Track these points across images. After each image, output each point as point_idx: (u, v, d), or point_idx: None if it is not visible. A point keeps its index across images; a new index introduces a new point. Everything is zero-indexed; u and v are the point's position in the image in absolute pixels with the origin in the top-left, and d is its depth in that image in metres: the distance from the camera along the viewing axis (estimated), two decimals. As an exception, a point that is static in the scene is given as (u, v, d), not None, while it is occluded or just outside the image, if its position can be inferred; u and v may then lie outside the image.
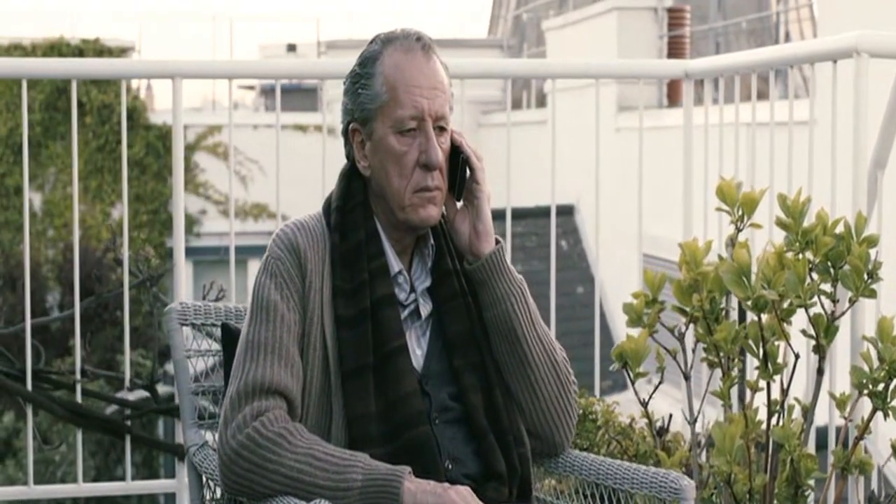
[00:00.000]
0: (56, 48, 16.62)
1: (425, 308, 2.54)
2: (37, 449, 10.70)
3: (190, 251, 17.04)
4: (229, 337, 2.58)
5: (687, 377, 3.13)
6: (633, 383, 2.95)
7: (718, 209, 3.10)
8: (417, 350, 2.52)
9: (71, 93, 3.85)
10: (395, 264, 2.52)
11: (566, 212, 13.97)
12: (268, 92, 23.87)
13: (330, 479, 2.30)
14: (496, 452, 2.49)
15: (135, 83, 17.38)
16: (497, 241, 2.56)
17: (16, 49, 16.54)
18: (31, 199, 16.90)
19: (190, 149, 17.38)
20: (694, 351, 3.12)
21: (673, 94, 12.96)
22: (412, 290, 2.54)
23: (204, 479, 2.57)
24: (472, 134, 16.99)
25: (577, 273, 13.25)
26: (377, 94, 2.47)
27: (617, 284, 8.98)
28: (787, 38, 13.84)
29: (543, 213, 13.54)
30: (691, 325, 3.06)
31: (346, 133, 2.56)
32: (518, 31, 19.88)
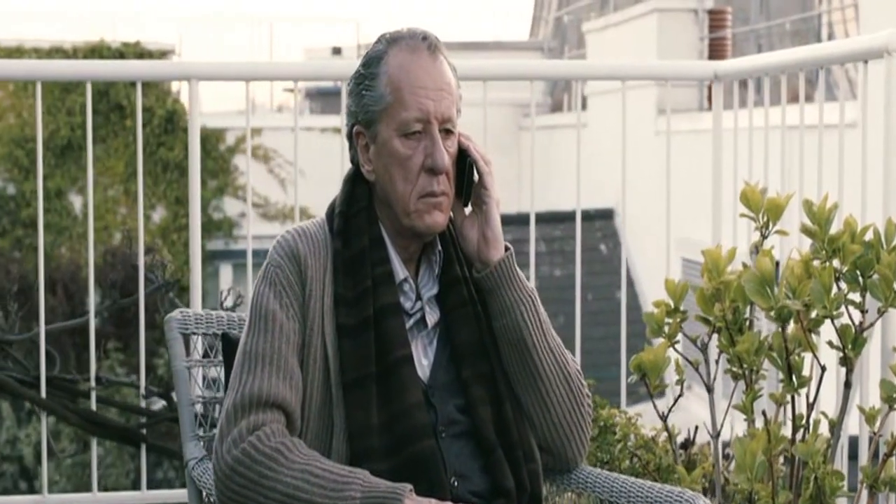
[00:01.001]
0: (97, 51, 16.65)
1: (432, 317, 2.44)
2: (74, 453, 10.69)
3: (229, 254, 17.06)
4: (230, 347, 2.50)
5: (710, 389, 3.02)
6: (651, 396, 2.84)
7: (743, 215, 2.99)
8: (424, 360, 2.43)
9: (87, 99, 3.78)
10: (401, 271, 2.43)
11: (606, 215, 13.86)
12: (313, 95, 23.87)
13: (327, 497, 2.21)
14: (505, 468, 2.39)
15: (175, 86, 17.37)
16: (507, 248, 2.46)
17: (57, 52, 16.58)
18: (72, 201, 16.95)
19: (230, 151, 17.37)
20: (717, 362, 3.01)
21: (710, 96, 12.81)
22: (418, 298, 2.44)
23: (204, 494, 2.49)
24: (512, 137, 16.91)
25: (616, 277, 13.10)
26: (381, 95, 2.38)
27: (656, 289, 8.87)
28: (832, 39, 13.66)
29: (583, 216, 13.44)
30: (715, 336, 2.96)
31: (350, 136, 2.47)
32: (559, 34, 19.75)
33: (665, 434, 3.92)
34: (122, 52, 16.71)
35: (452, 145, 2.41)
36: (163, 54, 17.00)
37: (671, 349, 2.93)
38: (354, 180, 2.47)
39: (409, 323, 2.42)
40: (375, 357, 2.35)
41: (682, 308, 3.00)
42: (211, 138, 17.08)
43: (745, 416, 2.85)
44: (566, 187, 12.75)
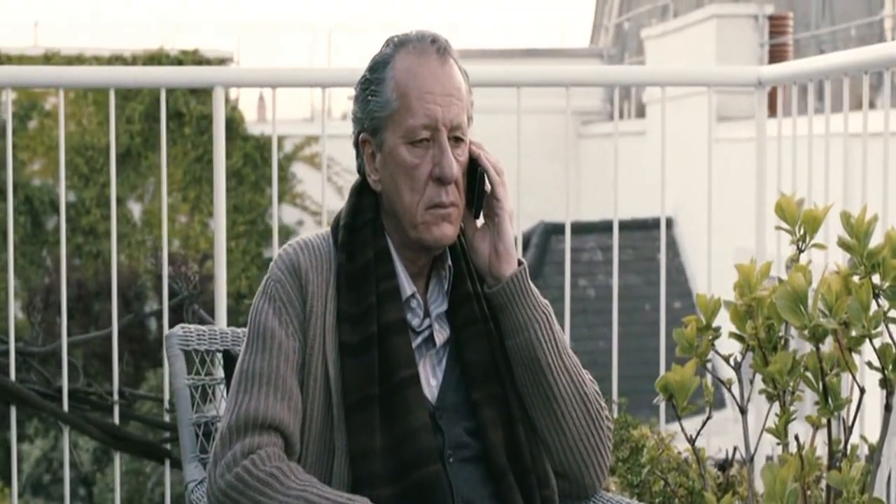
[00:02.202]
0: (156, 59, 16.70)
1: (441, 335, 2.32)
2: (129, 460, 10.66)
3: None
4: (231, 365, 2.39)
5: (743, 411, 2.87)
6: (679, 418, 2.70)
7: (778, 228, 2.84)
8: (432, 380, 2.31)
9: (110, 106, 3.71)
10: (408, 287, 2.30)
11: (665, 224, 13.66)
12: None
13: (323, 525, 2.09)
14: (516, 495, 2.27)
15: (233, 93, 17.39)
16: (520, 263, 2.33)
17: (116, 59, 16.65)
18: (131, 208, 17.00)
19: (287, 159, 17.36)
20: (752, 382, 2.86)
21: (772, 102, 12.59)
22: (427, 314, 2.32)
23: (203, 517, 2.38)
24: (572, 144, 16.74)
25: (674, 287, 12.91)
26: (387, 101, 2.27)
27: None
28: (897, 45, 13.36)
29: (640, 225, 13.27)
30: (749, 354, 2.81)
31: (356, 144, 2.35)
32: (620, 41, 19.56)
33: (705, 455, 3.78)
34: (180, 60, 16.75)
35: (462, 154, 2.29)
36: (221, 62, 17.02)
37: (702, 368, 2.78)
38: (361, 191, 2.36)
39: (417, 341, 2.30)
40: (379, 377, 2.23)
41: (715, 324, 2.86)
42: (268, 146, 17.07)
43: (777, 441, 2.70)
44: (623, 196, 12.59)
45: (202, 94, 16.41)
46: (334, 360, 2.24)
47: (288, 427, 2.20)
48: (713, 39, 12.73)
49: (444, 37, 2.31)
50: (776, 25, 12.99)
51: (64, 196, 3.64)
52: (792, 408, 2.81)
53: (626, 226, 12.76)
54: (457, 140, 2.27)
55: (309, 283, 2.26)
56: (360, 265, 2.28)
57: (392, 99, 2.26)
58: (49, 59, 16.54)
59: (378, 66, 2.30)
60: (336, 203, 17.98)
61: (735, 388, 2.92)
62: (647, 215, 12.92)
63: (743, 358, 2.91)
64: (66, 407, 3.72)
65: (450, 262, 2.34)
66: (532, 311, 2.31)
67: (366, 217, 2.32)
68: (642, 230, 13.26)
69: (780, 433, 2.76)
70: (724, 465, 3.36)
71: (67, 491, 3.81)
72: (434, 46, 2.28)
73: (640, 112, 16.13)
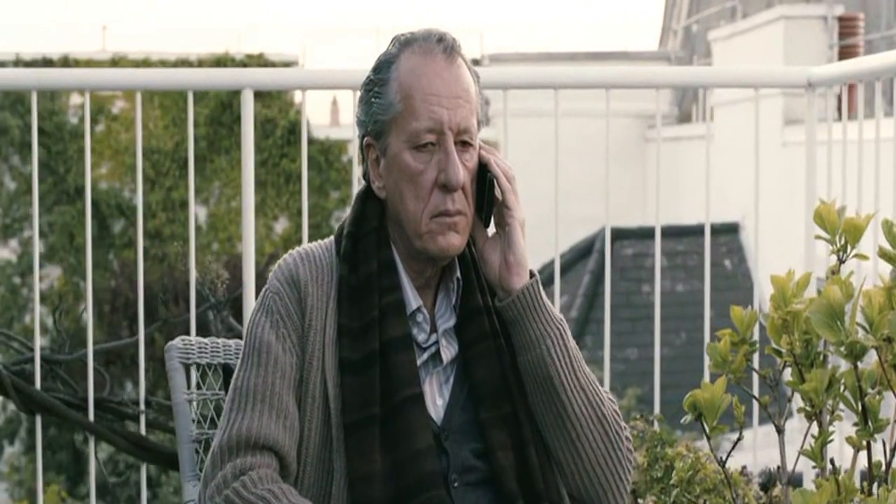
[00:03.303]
0: (221, 62, 16.71)
1: (448, 351, 2.19)
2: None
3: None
4: (230, 379, 2.28)
5: (780, 430, 2.71)
6: (709, 439, 2.55)
7: (818, 237, 2.68)
8: (438, 400, 2.18)
9: (136, 105, 3.62)
10: (413, 300, 2.18)
11: (731, 230, 13.44)
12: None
13: (315, 554, 1.98)
14: (526, 522, 2.13)
15: (297, 97, 17.36)
16: (532, 275, 2.20)
17: (182, 64, 16.68)
18: (197, 212, 17.03)
19: (352, 163, 17.31)
20: (790, 400, 2.70)
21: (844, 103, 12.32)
22: (434, 330, 2.19)
23: (201, 540, 2.26)
24: (637, 148, 16.55)
25: (740, 294, 12.68)
26: (390, 103, 2.14)
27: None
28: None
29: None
30: (787, 370, 2.66)
31: (361, 149, 2.23)
32: (688, 43, 19.30)
33: (749, 473, 3.61)
34: (245, 64, 16.76)
35: (471, 159, 2.16)
36: (286, 66, 16.99)
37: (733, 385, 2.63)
38: (366, 198, 2.23)
39: (423, 358, 2.18)
40: (381, 396, 2.11)
41: (752, 338, 2.72)
42: (333, 150, 17.03)
43: (814, 464, 2.54)
44: (692, 200, 12.38)
45: (266, 97, 16.41)
46: (334, 378, 2.12)
47: (283, 447, 2.09)
48: (781, 41, 12.47)
49: (453, 35, 2.18)
50: (846, 26, 12.71)
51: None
52: (831, 428, 2.66)
53: (691, 231, 12.57)
54: (464, 144, 2.14)
55: (308, 296, 2.14)
56: (363, 277, 2.16)
57: (395, 101, 2.14)
58: (116, 63, 16.62)
59: (382, 67, 2.18)
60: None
61: (773, 407, 2.77)
62: (713, 220, 12.69)
63: (780, 374, 2.76)
64: (91, 416, 3.64)
65: (458, 274, 2.21)
66: (545, 326, 2.17)
67: (370, 225, 2.20)
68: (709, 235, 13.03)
69: (816, 455, 2.60)
70: (765, 486, 3.20)
71: (93, 497, 3.73)
72: (440, 45, 2.15)
73: (709, 115, 15.87)
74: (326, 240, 2.24)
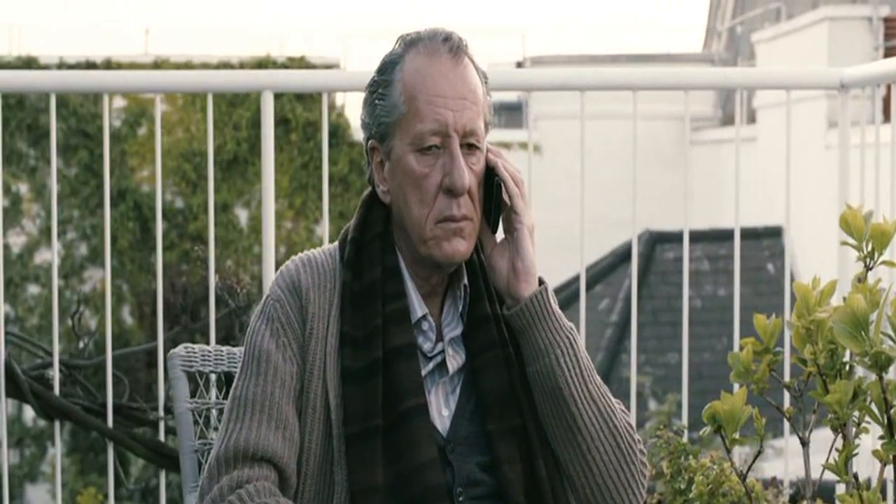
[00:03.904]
0: (262, 65, 16.71)
1: (455, 360, 2.12)
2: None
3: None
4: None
5: (804, 443, 2.62)
6: (728, 451, 2.47)
7: (844, 243, 2.60)
8: (444, 410, 2.11)
9: (156, 111, 3.58)
10: (419, 308, 2.11)
11: (774, 233, 13.29)
12: (496, 109, 23.55)
13: (312, 571, 1.92)
14: (534, 537, 2.06)
15: (339, 99, 17.35)
16: (541, 282, 2.12)
17: (224, 66, 16.69)
18: (238, 214, 17.04)
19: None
20: (815, 412, 2.61)
21: (887, 106, 12.14)
22: (440, 338, 2.13)
23: (202, 553, 2.20)
24: (680, 151, 16.38)
25: (783, 298, 12.55)
26: (394, 104, 2.08)
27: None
28: None
29: (750, 234, 12.90)
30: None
31: (366, 152, 2.17)
32: (732, 45, 19.12)
33: (778, 486, 3.52)
34: (286, 67, 16.75)
35: (477, 162, 2.09)
36: (327, 68, 16.97)
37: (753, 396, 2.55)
38: (370, 203, 2.17)
39: (428, 367, 2.11)
40: (383, 406, 2.04)
41: (775, 347, 2.63)
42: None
43: (838, 479, 2.46)
44: (733, 204, 12.27)
45: (308, 100, 16.40)
46: (335, 387, 2.06)
47: (282, 459, 2.03)
48: (825, 42, 12.32)
49: (459, 35, 2.11)
50: (892, 27, 12.53)
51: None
52: (857, 440, 2.57)
53: (726, 235, 12.42)
54: (470, 147, 2.08)
55: (310, 303, 2.08)
56: (367, 284, 2.10)
57: (400, 103, 2.07)
58: (158, 66, 16.66)
59: (387, 67, 2.11)
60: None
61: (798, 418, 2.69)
62: (756, 224, 12.56)
63: (805, 385, 2.68)
64: (110, 422, 3.60)
65: (466, 281, 2.14)
66: (554, 335, 2.10)
67: (374, 231, 2.13)
68: (751, 239, 12.90)
69: (841, 469, 2.52)
70: (794, 499, 3.12)
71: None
72: (446, 45, 2.08)
73: (752, 118, 15.74)
74: (330, 246, 2.18)
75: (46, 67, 16.21)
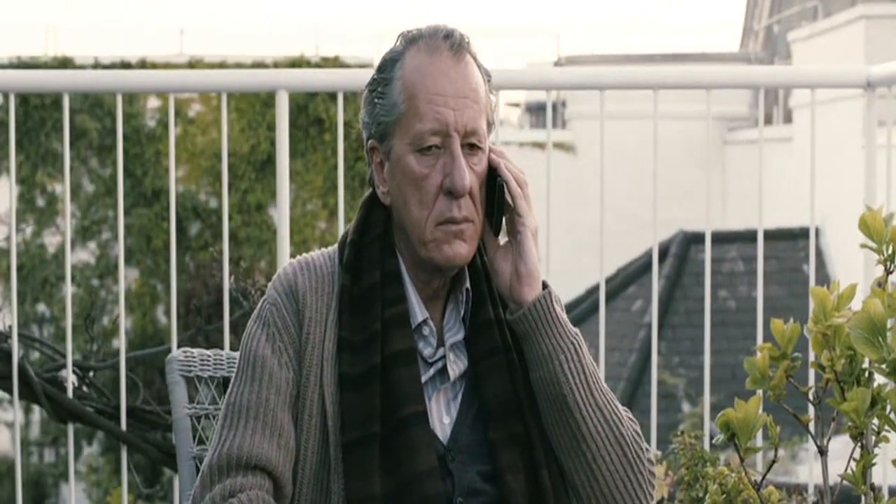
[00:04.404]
0: (296, 65, 16.71)
1: (456, 366, 2.07)
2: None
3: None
4: (230, 394, 2.17)
5: (822, 451, 2.55)
6: (742, 460, 2.40)
7: (863, 246, 2.53)
8: (445, 418, 2.06)
9: (169, 110, 3.54)
10: (420, 312, 2.05)
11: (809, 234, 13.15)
12: (533, 109, 23.55)
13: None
14: (537, 550, 2.00)
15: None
16: (544, 286, 2.06)
17: (258, 66, 16.70)
18: (272, 215, 17.04)
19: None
20: (834, 419, 2.54)
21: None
22: (441, 343, 2.07)
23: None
24: (717, 151, 16.28)
25: (819, 300, 12.40)
26: (394, 103, 2.02)
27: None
28: None
29: (785, 235, 12.78)
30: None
31: (367, 153, 2.12)
32: (770, 44, 18.97)
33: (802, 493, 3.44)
34: (320, 66, 16.74)
35: (479, 163, 2.03)
36: (361, 68, 16.94)
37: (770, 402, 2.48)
38: (370, 205, 2.12)
39: (429, 373, 2.05)
40: (382, 413, 1.99)
41: (793, 353, 2.56)
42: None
43: (855, 489, 2.38)
44: (771, 204, 12.17)
45: (345, 100, 16.36)
46: (332, 394, 2.01)
47: (276, 467, 1.97)
48: (861, 41, 12.17)
49: (461, 31, 2.05)
50: (930, 26, 12.38)
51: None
52: (877, 449, 2.50)
53: (769, 235, 12.30)
54: (472, 147, 2.02)
55: (307, 307, 2.03)
56: (366, 287, 2.04)
57: (399, 101, 2.02)
58: (192, 66, 16.69)
59: (386, 65, 2.06)
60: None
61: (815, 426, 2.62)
62: (792, 224, 12.42)
63: (824, 391, 2.61)
64: (123, 425, 3.57)
65: (468, 285, 2.08)
66: (558, 341, 2.04)
67: (374, 233, 2.08)
68: (787, 240, 12.78)
69: (858, 479, 2.45)
70: (817, 506, 3.03)
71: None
72: (447, 42, 2.02)
73: (788, 117, 15.59)
74: (331, 248, 2.13)
75: (82, 68, 16.25)
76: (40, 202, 17.12)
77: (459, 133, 1.99)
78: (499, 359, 2.06)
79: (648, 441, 3.98)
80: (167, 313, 17.03)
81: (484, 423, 2.04)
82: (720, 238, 12.91)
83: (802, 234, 13.10)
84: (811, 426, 2.51)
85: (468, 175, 1.99)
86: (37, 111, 16.46)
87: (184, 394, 2.23)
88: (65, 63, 16.85)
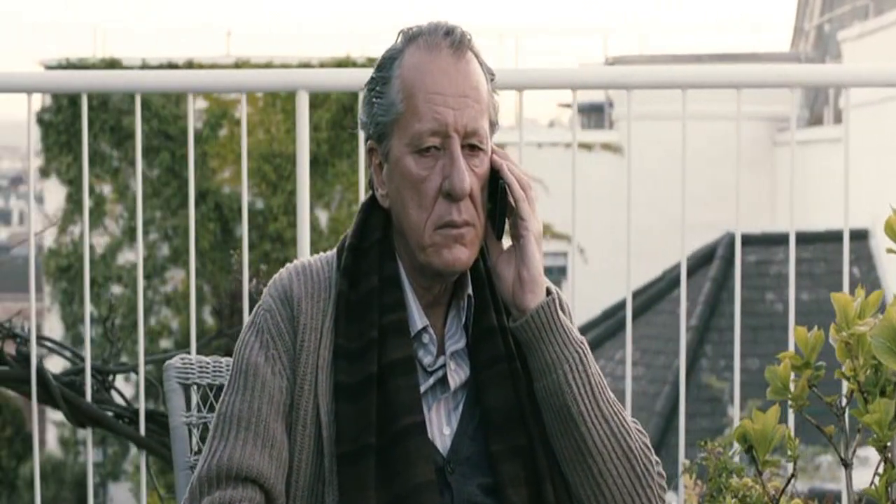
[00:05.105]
0: (342, 66, 16.68)
1: (457, 375, 1.99)
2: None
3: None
4: (227, 402, 2.11)
5: (846, 465, 2.46)
6: (760, 474, 2.31)
7: (889, 251, 2.43)
8: (445, 429, 1.98)
9: (189, 110, 3.49)
10: (419, 319, 1.98)
11: (860, 236, 12.96)
12: (585, 110, 23.40)
13: None
14: (540, 568, 1.92)
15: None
16: (549, 293, 1.98)
17: (303, 67, 16.69)
18: (318, 216, 17.04)
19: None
20: (859, 430, 2.45)
21: None
22: (442, 352, 1.99)
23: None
24: (766, 152, 16.11)
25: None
26: (392, 103, 1.95)
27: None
28: None
29: (834, 237, 12.58)
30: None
31: (367, 154, 2.05)
32: (821, 44, 18.74)
33: None
34: (365, 67, 16.71)
35: (480, 165, 1.96)
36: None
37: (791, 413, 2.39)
38: (370, 208, 2.05)
39: (429, 382, 1.98)
40: (378, 424, 1.91)
41: (817, 362, 2.47)
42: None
43: (878, 505, 2.29)
44: (821, 206, 11.99)
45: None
46: (327, 403, 1.94)
47: (268, 479, 1.91)
48: (913, 40, 11.99)
49: (463, 29, 1.98)
50: (983, 24, 12.16)
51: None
52: (902, 464, 2.40)
53: (819, 237, 12.16)
54: (473, 148, 1.94)
55: (301, 314, 1.96)
56: (363, 293, 1.97)
57: (397, 101, 1.94)
58: (239, 66, 16.70)
59: (385, 63, 1.99)
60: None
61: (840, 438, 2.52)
62: (841, 226, 12.24)
63: (848, 402, 2.51)
64: (142, 430, 3.52)
65: (470, 291, 2.01)
66: (561, 350, 1.96)
67: (373, 238, 2.00)
68: (835, 242, 12.59)
69: (881, 495, 2.35)
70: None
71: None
72: (447, 40, 1.95)
73: (839, 118, 15.39)
74: (329, 253, 2.06)
75: (129, 69, 16.31)
76: (89, 203, 17.17)
77: (459, 133, 1.92)
78: (502, 367, 1.98)
79: (674, 451, 3.89)
80: (213, 314, 17.06)
81: (485, 434, 1.97)
82: (768, 240, 12.75)
83: (852, 236, 12.93)
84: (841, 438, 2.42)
85: (468, 177, 1.92)
86: (85, 112, 16.51)
87: (181, 402, 2.17)
88: (112, 65, 16.91)
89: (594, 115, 22.11)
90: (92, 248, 16.93)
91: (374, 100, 1.98)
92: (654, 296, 13.15)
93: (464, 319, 2.00)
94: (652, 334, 12.66)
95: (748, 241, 12.80)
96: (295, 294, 1.97)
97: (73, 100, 15.50)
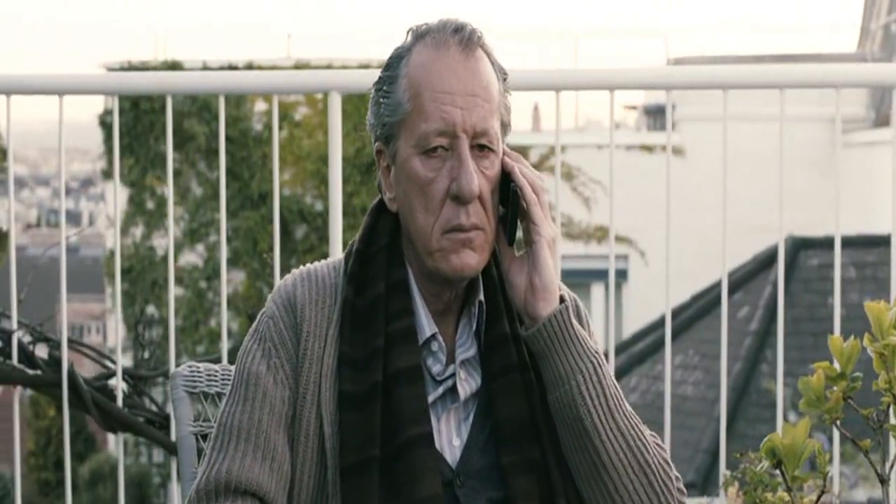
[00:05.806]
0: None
1: (468, 385, 1.92)
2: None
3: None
4: (233, 411, 2.04)
5: (883, 480, 2.36)
6: (789, 491, 2.21)
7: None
8: (455, 440, 1.91)
9: (219, 112, 3.44)
10: (428, 327, 1.91)
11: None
12: (651, 112, 23.21)
13: None
14: (552, 587, 1.84)
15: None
16: (561, 300, 1.90)
17: (363, 68, 16.67)
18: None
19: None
20: (898, 444, 2.34)
21: None
22: (452, 360, 1.92)
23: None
24: (829, 154, 15.85)
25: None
26: (398, 102, 1.88)
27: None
28: None
29: (889, 241, 12.35)
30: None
31: (375, 156, 1.98)
32: (888, 44, 18.44)
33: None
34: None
35: (490, 167, 1.88)
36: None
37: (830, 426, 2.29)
38: (378, 212, 1.98)
39: (438, 392, 1.90)
40: (383, 435, 1.84)
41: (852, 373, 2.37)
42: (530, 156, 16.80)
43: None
44: (887, 208, 11.77)
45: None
46: (331, 414, 1.87)
47: (268, 492, 1.84)
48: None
49: (473, 26, 1.90)
50: None
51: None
52: (942, 480, 2.29)
53: (874, 241, 11.93)
54: (482, 149, 1.86)
55: (304, 321, 1.89)
56: (369, 300, 1.90)
57: (404, 100, 1.87)
58: (299, 68, 16.70)
59: (393, 62, 1.92)
60: (581, 215, 17.51)
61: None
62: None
63: (885, 414, 2.41)
64: (173, 436, 3.47)
65: (481, 297, 1.93)
66: (575, 360, 1.87)
67: (381, 243, 1.93)
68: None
69: (918, 513, 2.24)
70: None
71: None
72: (456, 37, 1.87)
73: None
74: (336, 258, 1.99)
75: (190, 70, 16.36)
76: (150, 205, 17.27)
77: (468, 134, 1.85)
78: (514, 377, 1.90)
79: (729, 455, 3.78)
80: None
81: (497, 446, 1.89)
82: (829, 244, 12.53)
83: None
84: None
85: (477, 179, 1.84)
86: (146, 115, 16.59)
87: (188, 411, 2.11)
88: (173, 67, 16.97)
89: (659, 116, 21.90)
90: (153, 249, 17.01)
91: (380, 100, 1.91)
92: (715, 300, 12.97)
93: (475, 326, 1.93)
94: (712, 338, 12.48)
95: (811, 244, 12.61)
96: (298, 301, 1.91)
97: (135, 102, 15.57)
